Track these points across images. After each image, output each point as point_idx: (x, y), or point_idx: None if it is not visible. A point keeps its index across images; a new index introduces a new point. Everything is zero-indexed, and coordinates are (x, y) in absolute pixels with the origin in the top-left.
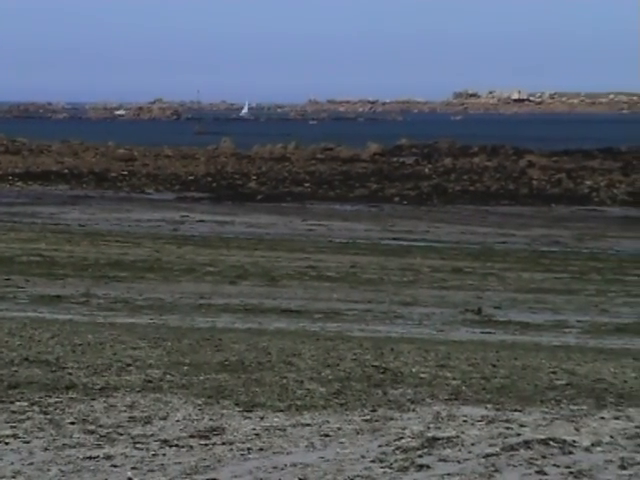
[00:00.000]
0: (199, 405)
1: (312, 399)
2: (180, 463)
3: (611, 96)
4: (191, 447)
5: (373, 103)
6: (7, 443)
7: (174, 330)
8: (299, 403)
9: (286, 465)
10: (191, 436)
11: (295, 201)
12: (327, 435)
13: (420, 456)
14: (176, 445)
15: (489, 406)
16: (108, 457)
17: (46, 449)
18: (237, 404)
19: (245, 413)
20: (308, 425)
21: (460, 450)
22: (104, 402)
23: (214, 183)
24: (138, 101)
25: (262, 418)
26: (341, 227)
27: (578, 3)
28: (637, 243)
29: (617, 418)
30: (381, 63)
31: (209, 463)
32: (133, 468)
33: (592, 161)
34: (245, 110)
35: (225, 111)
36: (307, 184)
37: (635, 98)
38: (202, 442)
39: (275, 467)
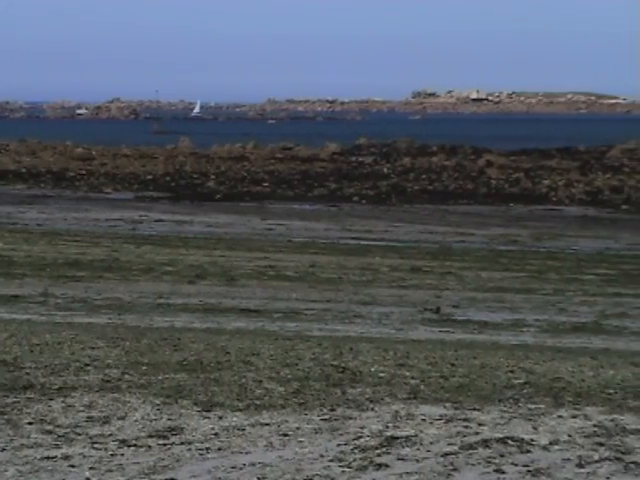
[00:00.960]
0: (157, 405)
1: (271, 398)
2: (138, 463)
3: (569, 96)
4: (149, 447)
5: (332, 102)
6: None
7: (132, 330)
8: (258, 402)
9: (245, 465)
10: (149, 436)
11: (254, 200)
12: (286, 434)
13: (379, 455)
14: (134, 445)
15: (448, 405)
16: (66, 457)
17: (3, 449)
18: (196, 404)
19: (204, 413)
20: (267, 424)
21: (418, 449)
22: (62, 402)
23: (173, 183)
24: (96, 100)
25: (221, 418)
26: (300, 226)
27: (535, 4)
28: (595, 242)
29: (575, 417)
30: (340, 63)
31: (167, 463)
32: (91, 468)
33: (550, 160)
34: (197, 109)
35: (184, 110)
36: (266, 183)
37: (593, 98)
38: (160, 442)
39: (234, 467)
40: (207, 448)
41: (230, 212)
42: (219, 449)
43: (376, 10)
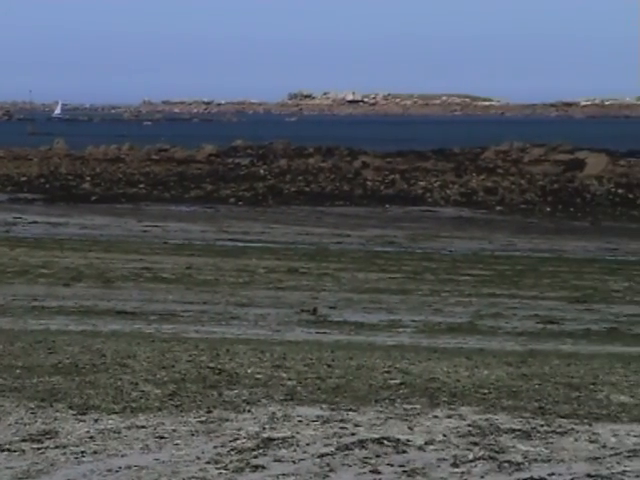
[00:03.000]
0: (32, 408)
1: (147, 401)
2: (12, 468)
3: (444, 98)
4: (23, 451)
5: (208, 104)
6: None
7: (6, 333)
8: (134, 405)
9: (120, 468)
10: (23, 440)
11: (130, 202)
12: (162, 437)
13: (255, 457)
14: (8, 449)
15: (324, 406)
16: None
17: None
18: (71, 407)
19: (79, 416)
20: (143, 427)
21: (295, 450)
22: None
23: (47, 184)
24: None
25: (96, 421)
26: (176, 228)
27: (412, 7)
28: (470, 243)
29: (450, 417)
30: (216, 64)
31: (42, 467)
32: None
33: (425, 162)
34: (58, 111)
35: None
36: (142, 185)
37: (467, 100)
38: (35, 446)
39: (109, 470)
40: (82, 452)
41: (106, 214)
42: (94, 452)
43: (251, 12)
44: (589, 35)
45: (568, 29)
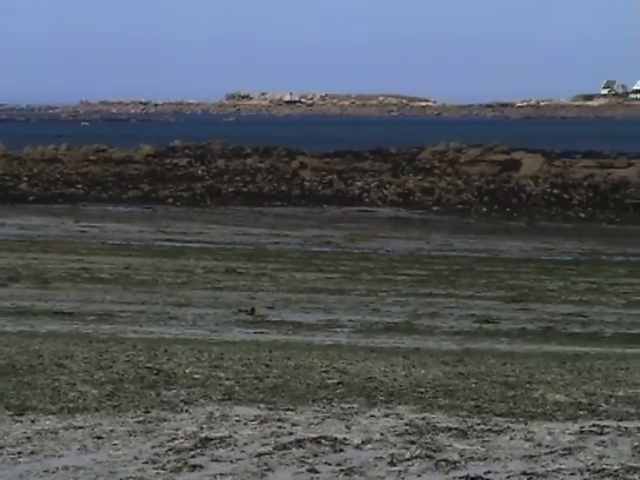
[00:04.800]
0: None
1: (85, 401)
2: None
3: (381, 98)
4: None
5: (146, 104)
6: None
7: None
8: (71, 405)
9: (58, 468)
10: None
11: (67, 202)
12: (100, 437)
13: (193, 457)
14: None
15: (262, 406)
16: None
17: None
18: (7, 408)
19: (16, 417)
20: (80, 427)
21: (233, 450)
22: None
23: None
24: None
25: (33, 421)
26: (114, 228)
27: (348, 8)
28: (407, 243)
29: (387, 416)
30: (153, 65)
31: None
32: None
33: (363, 162)
34: None
35: None
36: (80, 185)
37: (404, 100)
38: None
39: (46, 470)
40: (19, 452)
41: (43, 214)
42: (31, 453)
43: (187, 12)
44: (525, 36)
45: (504, 30)
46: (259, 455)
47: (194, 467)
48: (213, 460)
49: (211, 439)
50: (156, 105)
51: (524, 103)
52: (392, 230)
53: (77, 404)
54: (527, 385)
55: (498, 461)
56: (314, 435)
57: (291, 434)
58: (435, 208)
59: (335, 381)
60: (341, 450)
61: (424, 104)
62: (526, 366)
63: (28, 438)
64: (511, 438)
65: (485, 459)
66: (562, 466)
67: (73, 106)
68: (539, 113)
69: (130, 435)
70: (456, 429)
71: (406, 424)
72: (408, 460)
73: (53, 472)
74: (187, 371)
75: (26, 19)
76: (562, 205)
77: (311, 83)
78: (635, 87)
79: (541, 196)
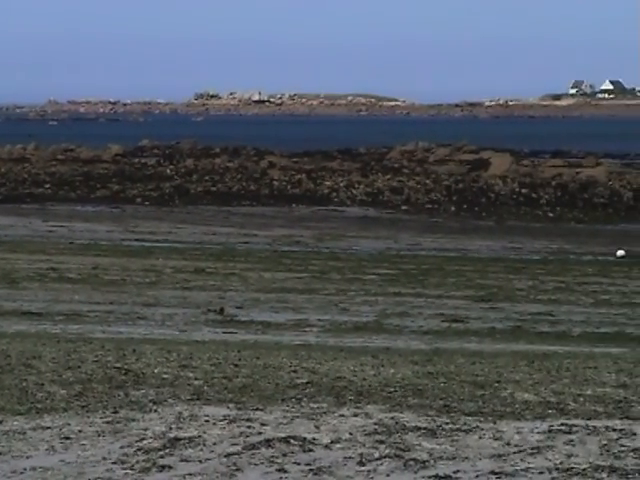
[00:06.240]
0: None
1: (53, 402)
2: None
3: (349, 98)
4: None
5: (114, 104)
6: None
7: None
8: (39, 406)
9: (26, 469)
10: None
11: (35, 202)
12: (68, 438)
13: (162, 457)
14: None
15: (231, 405)
16: None
17: None
18: None
19: None
20: (48, 428)
21: (202, 450)
22: None
23: None
24: None
25: (1, 422)
26: (83, 228)
27: (317, 8)
28: (376, 243)
29: (356, 415)
30: (122, 64)
31: None
32: None
33: (332, 162)
34: None
35: None
36: (48, 185)
37: (373, 100)
38: None
39: (14, 471)
40: None
41: (11, 214)
42: None
43: (156, 11)
44: (493, 36)
45: (473, 31)
46: (228, 455)
47: (163, 467)
48: (182, 460)
49: (180, 439)
50: (125, 104)
51: (492, 103)
52: (361, 230)
53: (45, 404)
54: (496, 384)
55: (467, 460)
56: (283, 435)
57: (260, 434)
58: (404, 207)
59: (304, 381)
60: (310, 450)
61: (393, 104)
62: (495, 365)
63: None
64: (480, 437)
65: (454, 458)
66: (531, 465)
67: (41, 105)
68: (507, 113)
69: (98, 435)
70: (425, 428)
71: (375, 423)
72: (377, 460)
73: (21, 473)
74: (156, 371)
75: None
76: (531, 204)
77: (280, 83)
78: (603, 87)
79: (510, 195)
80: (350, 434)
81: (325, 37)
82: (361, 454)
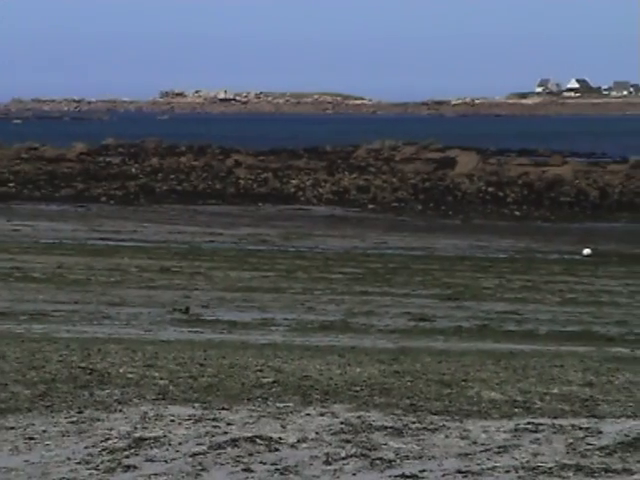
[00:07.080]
0: None
1: (16, 402)
2: None
3: (316, 96)
4: None
5: (79, 102)
6: None
7: None
8: (3, 406)
9: None
10: None
11: None
12: (32, 438)
13: (127, 457)
14: None
15: (196, 405)
16: None
17: None
18: None
19: None
20: (12, 428)
21: (167, 450)
22: None
23: None
24: None
25: None
26: (47, 227)
27: (284, 7)
28: (342, 241)
29: (322, 414)
30: (86, 62)
31: None
32: None
33: (298, 160)
34: None
35: None
36: (11, 184)
37: (339, 98)
38: None
39: None
40: None
41: None
42: None
43: (120, 8)
44: (459, 34)
45: (439, 29)
46: (194, 455)
47: (128, 467)
48: (147, 460)
49: (145, 439)
50: (89, 103)
51: (459, 101)
52: (328, 228)
53: (9, 404)
54: (462, 383)
55: (433, 459)
56: (249, 434)
57: (226, 433)
58: (370, 206)
59: (270, 380)
60: (276, 449)
61: (359, 102)
62: (461, 364)
63: None
64: (446, 436)
65: (420, 457)
66: (497, 464)
67: (4, 104)
68: (474, 111)
69: (63, 435)
70: (391, 428)
71: (341, 423)
72: (343, 459)
73: None
74: (121, 371)
75: None
76: (497, 203)
77: (246, 81)
78: (569, 85)
79: (476, 194)
80: (316, 433)
81: (291, 35)
82: (327, 453)
